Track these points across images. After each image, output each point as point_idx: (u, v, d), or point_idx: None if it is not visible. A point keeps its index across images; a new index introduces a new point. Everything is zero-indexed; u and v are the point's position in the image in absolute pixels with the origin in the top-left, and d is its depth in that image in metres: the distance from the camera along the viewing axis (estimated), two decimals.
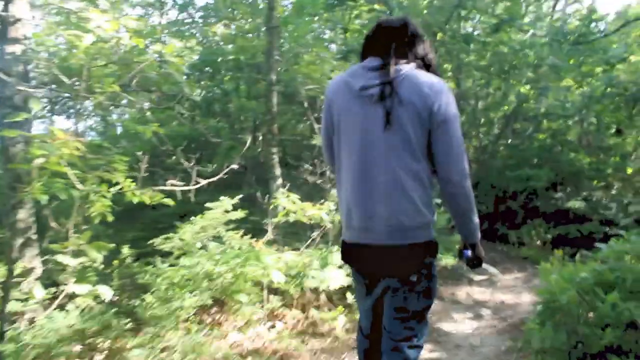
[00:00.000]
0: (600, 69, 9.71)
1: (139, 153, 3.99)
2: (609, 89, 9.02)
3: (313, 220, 4.76)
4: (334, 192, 5.33)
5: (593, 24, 9.76)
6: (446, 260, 5.92)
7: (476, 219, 2.14)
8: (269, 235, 4.51)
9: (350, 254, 2.21)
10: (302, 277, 4.22)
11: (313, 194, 6.00)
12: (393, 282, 2.12)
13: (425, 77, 2.03)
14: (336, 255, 4.51)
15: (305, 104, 6.08)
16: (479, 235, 2.18)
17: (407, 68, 2.04)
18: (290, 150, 6.57)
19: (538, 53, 9.33)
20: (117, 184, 4.35)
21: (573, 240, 7.72)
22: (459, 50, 9.21)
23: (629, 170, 8.33)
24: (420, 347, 2.21)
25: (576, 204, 8.13)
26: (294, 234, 5.09)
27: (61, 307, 3.66)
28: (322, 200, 4.80)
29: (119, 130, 11.10)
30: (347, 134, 2.09)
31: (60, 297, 3.62)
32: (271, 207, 4.42)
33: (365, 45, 2.21)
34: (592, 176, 8.71)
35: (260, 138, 6.99)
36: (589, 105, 9.17)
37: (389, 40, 2.10)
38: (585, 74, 9.99)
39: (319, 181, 5.87)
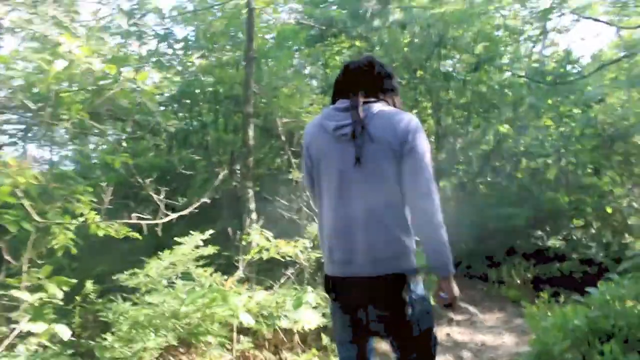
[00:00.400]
0: (578, 110, 9.86)
1: (104, 184, 3.77)
2: (586, 130, 9.09)
3: (288, 258, 4.58)
4: (310, 228, 5.16)
5: (569, 66, 9.94)
6: None
7: (449, 251, 2.10)
8: (240, 273, 4.30)
9: (335, 287, 2.19)
10: (275, 317, 4.00)
11: (289, 230, 5.82)
12: (384, 313, 2.11)
13: (397, 113, 2.15)
14: (311, 295, 4.31)
15: (283, 138, 5.95)
16: (452, 268, 2.13)
17: (377, 106, 2.15)
18: (266, 185, 6.40)
19: (517, 92, 9.41)
20: (82, 215, 4.15)
21: (553, 279, 7.63)
22: (439, 88, 9.23)
23: (609, 210, 8.30)
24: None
25: (556, 243, 8.06)
26: (268, 271, 4.88)
27: (12, 347, 3.40)
28: (297, 238, 4.62)
29: (95, 160, 10.87)
30: (326, 173, 2.17)
31: (11, 336, 3.36)
32: (243, 243, 4.22)
33: (336, 88, 2.31)
34: (572, 215, 8.67)
35: (236, 171, 6.82)
36: (567, 145, 9.22)
37: (357, 81, 2.22)
38: (563, 114, 10.10)
39: (295, 217, 5.70)
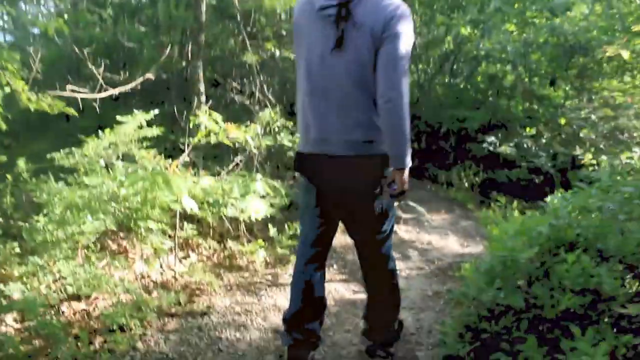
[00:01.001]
0: (544, 18, 9.62)
1: (31, 49, 3.33)
2: (550, 38, 8.89)
3: (237, 144, 4.33)
4: (263, 114, 4.88)
5: None
6: None
7: (408, 144, 2.14)
8: (185, 157, 4.03)
9: (306, 163, 2.29)
10: (221, 205, 3.81)
11: (240, 116, 5.52)
12: (353, 192, 2.22)
13: (384, 1, 2.07)
14: (260, 184, 4.13)
15: (239, 17, 5.48)
16: (409, 161, 2.17)
17: None
18: (218, 67, 5.98)
19: None
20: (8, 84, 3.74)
21: (501, 185, 7.70)
22: None
23: (563, 121, 8.31)
24: (390, 239, 2.42)
25: (507, 149, 8.07)
26: (216, 157, 4.64)
27: None
28: (248, 123, 4.35)
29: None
30: (308, 52, 2.17)
31: None
32: (191, 125, 3.92)
33: None
34: (525, 124, 8.65)
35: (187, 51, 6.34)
36: (528, 52, 9.04)
37: None
38: (528, 20, 9.86)
39: (247, 102, 5.39)
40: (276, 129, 4.75)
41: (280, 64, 5.73)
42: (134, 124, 3.94)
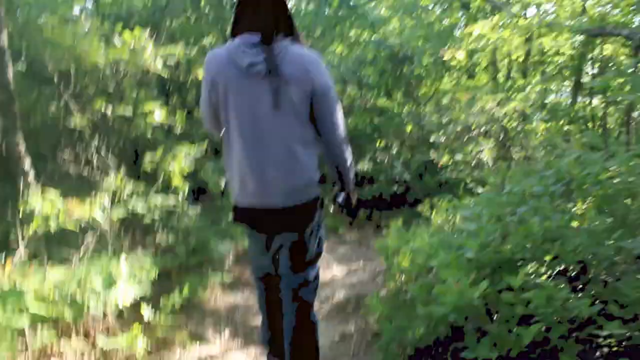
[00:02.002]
0: (367, 34, 10.04)
1: None
2: (377, 53, 9.21)
3: (85, 223, 3.72)
4: (107, 182, 4.29)
5: None
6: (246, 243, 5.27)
7: (353, 172, 2.45)
8: (22, 253, 3.35)
9: (246, 216, 2.39)
10: (80, 297, 3.19)
11: (80, 189, 4.84)
12: (291, 236, 2.37)
13: (302, 51, 2.21)
14: (122, 264, 3.57)
15: (56, 79, 4.83)
16: (353, 185, 2.49)
17: (288, 44, 2.17)
18: (43, 138, 5.23)
19: (303, 22, 9.21)
20: None
21: (366, 202, 7.71)
22: None
23: (409, 128, 8.58)
24: (315, 285, 2.57)
25: (365, 166, 8.13)
26: (61, 242, 3.95)
27: None
28: (92, 196, 3.76)
29: None
30: (237, 109, 2.19)
31: None
32: (21, 213, 3.26)
33: (239, 12, 2.22)
34: (374, 138, 8.81)
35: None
36: (360, 69, 9.30)
37: (272, 12, 2.18)
38: (354, 40, 10.23)
39: (84, 172, 4.73)
40: (125, 196, 4.20)
41: (114, 122, 5.14)
42: None
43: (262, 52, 2.12)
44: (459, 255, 2.29)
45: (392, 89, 9.81)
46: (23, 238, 3.34)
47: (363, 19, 10.49)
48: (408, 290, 2.48)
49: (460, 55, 5.69)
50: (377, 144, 8.65)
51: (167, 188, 4.76)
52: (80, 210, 3.41)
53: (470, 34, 5.60)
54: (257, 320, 4.07)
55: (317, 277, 2.57)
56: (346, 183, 2.43)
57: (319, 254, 2.51)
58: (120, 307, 3.29)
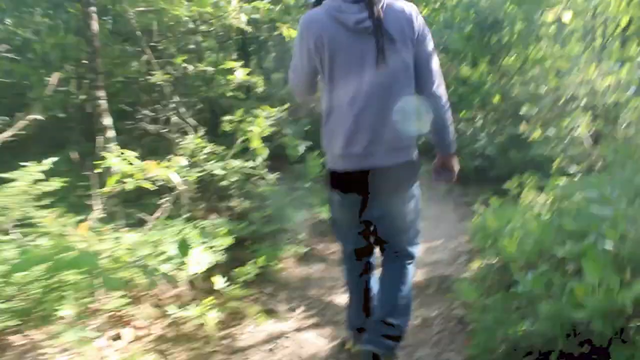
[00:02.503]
0: None
1: None
2: (470, 15, 8.63)
3: (160, 183, 3.58)
4: (185, 142, 4.15)
5: None
6: (322, 213, 5.04)
7: (453, 132, 2.43)
8: (96, 213, 3.24)
9: (348, 180, 2.33)
10: (153, 262, 3.06)
11: (157, 148, 4.74)
12: (395, 197, 2.34)
13: (402, 6, 2.20)
14: (193, 230, 3.42)
15: (139, 33, 4.69)
16: (454, 146, 2.48)
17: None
18: (123, 95, 5.15)
19: None
20: None
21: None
22: None
23: (496, 99, 8.00)
24: (418, 244, 2.57)
25: None
26: (136, 202, 3.85)
27: None
28: (169, 156, 3.61)
29: None
30: (346, 68, 2.17)
31: None
32: (98, 171, 3.14)
33: None
34: (458, 108, 8.29)
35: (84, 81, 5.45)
36: (445, 34, 8.76)
37: None
38: (439, 3, 9.64)
39: (163, 130, 4.61)
40: (203, 158, 4.04)
41: (195, 80, 4.98)
42: (27, 179, 3.12)
43: (365, 8, 2.11)
44: (590, 245, 1.91)
45: (479, 57, 9.25)
46: (100, 196, 3.24)
47: None
48: (518, 281, 2.14)
49: (567, 16, 5.07)
50: (460, 115, 8.13)
51: (244, 150, 4.58)
52: (157, 170, 3.25)
53: None
54: (331, 297, 3.88)
55: (419, 233, 2.56)
56: (447, 143, 2.42)
57: (419, 211, 2.48)
58: (192, 274, 3.13)
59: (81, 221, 3.10)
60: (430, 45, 2.26)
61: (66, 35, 5.53)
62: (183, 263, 3.09)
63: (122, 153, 3.19)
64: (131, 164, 3.14)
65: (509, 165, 7.69)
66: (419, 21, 2.21)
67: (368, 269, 2.65)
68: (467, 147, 7.84)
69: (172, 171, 3.34)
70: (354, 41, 2.13)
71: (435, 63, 2.28)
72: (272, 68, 9.07)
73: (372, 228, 2.51)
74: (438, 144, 2.45)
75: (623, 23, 7.82)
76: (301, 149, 5.44)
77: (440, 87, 2.30)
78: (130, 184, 3.07)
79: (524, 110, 7.14)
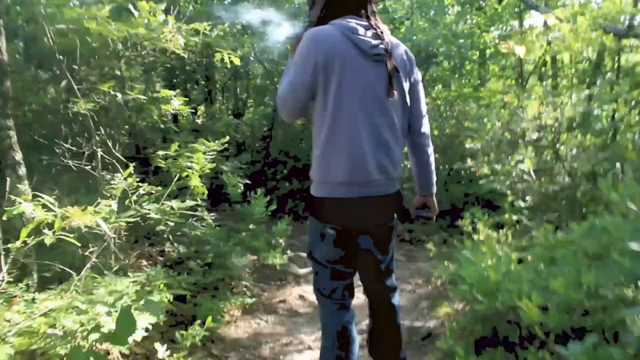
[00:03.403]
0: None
1: None
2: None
3: (86, 230, 2.99)
4: (115, 181, 3.57)
5: None
6: (272, 259, 4.56)
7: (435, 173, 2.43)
8: (3, 273, 2.61)
9: (339, 209, 2.18)
10: (83, 332, 2.47)
11: (80, 185, 4.13)
12: (383, 230, 2.27)
13: (395, 40, 2.21)
14: (130, 285, 2.86)
15: (59, 56, 4.07)
16: (435, 188, 2.43)
17: (386, 30, 2.18)
18: (38, 125, 4.49)
19: None
20: None
21: None
22: None
23: (435, 132, 7.89)
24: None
25: None
26: (57, 253, 3.22)
27: None
28: (97, 200, 3.02)
29: None
30: (355, 91, 2.08)
31: None
32: (5, 216, 2.53)
33: None
34: None
35: None
36: None
37: None
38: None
39: (87, 166, 3.99)
40: (136, 198, 3.47)
41: (125, 108, 4.40)
42: None
43: (377, 35, 2.10)
44: None
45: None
46: (8, 252, 2.61)
47: (384, 13, 10.04)
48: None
49: (520, 50, 4.93)
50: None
51: (181, 189, 4.05)
52: (81, 217, 2.67)
53: (532, 27, 4.88)
54: (289, 356, 3.40)
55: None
56: (431, 183, 2.40)
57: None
58: (131, 341, 2.57)
59: None
60: (421, 84, 2.29)
61: None
62: (122, 330, 2.52)
63: (37, 196, 2.59)
64: (47, 210, 2.55)
65: (449, 200, 7.58)
66: (413, 58, 2.25)
67: (346, 307, 2.41)
68: (407, 181, 7.65)
69: (100, 217, 2.76)
70: (366, 66, 2.07)
71: (424, 103, 2.31)
72: (202, 98, 8.59)
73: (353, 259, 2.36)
74: (421, 183, 2.41)
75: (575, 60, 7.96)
76: (240, 186, 4.97)
77: (427, 127, 2.33)
78: (48, 239, 2.47)
79: (469, 143, 7.04)
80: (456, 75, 10.21)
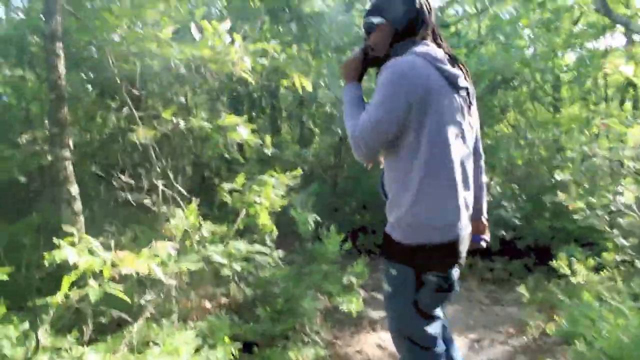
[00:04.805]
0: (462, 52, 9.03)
1: None
2: (482, 68, 8.08)
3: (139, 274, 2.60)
4: (175, 218, 3.19)
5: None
6: (348, 304, 4.06)
7: None
8: (44, 336, 2.23)
9: (440, 253, 2.03)
10: None
11: (138, 221, 3.79)
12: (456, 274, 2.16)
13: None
14: (190, 338, 2.44)
15: (119, 81, 3.79)
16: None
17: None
18: (97, 154, 4.21)
19: None
20: None
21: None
22: None
23: (519, 161, 7.26)
24: None
25: None
26: (115, 299, 2.84)
27: None
28: (152, 243, 2.62)
29: None
30: (449, 128, 1.98)
31: None
32: (47, 262, 2.15)
33: (413, 20, 2.05)
34: None
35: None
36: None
37: (430, 18, 2.09)
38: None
39: (147, 200, 3.65)
40: (199, 239, 3.07)
41: (190, 138, 4.06)
42: None
43: (452, 62, 2.03)
44: None
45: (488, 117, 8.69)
46: (49, 307, 2.24)
47: (458, 38, 9.59)
48: None
49: (629, 70, 4.31)
50: None
51: (247, 227, 3.65)
52: (134, 263, 2.28)
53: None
54: None
55: None
56: (485, 205, 2.35)
57: None
58: None
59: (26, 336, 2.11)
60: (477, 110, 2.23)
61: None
62: None
63: (81, 239, 2.21)
64: (93, 254, 2.15)
65: (534, 236, 6.87)
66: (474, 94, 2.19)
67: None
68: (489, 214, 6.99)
69: (156, 263, 2.37)
70: (453, 98, 1.97)
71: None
72: (268, 126, 8.28)
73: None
74: (477, 206, 2.26)
75: None
76: (311, 222, 4.52)
77: (482, 149, 2.32)
78: (93, 293, 2.08)
79: (559, 175, 6.34)
80: (535, 101, 9.53)
